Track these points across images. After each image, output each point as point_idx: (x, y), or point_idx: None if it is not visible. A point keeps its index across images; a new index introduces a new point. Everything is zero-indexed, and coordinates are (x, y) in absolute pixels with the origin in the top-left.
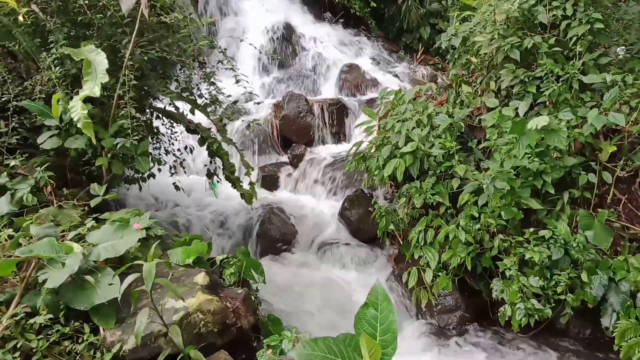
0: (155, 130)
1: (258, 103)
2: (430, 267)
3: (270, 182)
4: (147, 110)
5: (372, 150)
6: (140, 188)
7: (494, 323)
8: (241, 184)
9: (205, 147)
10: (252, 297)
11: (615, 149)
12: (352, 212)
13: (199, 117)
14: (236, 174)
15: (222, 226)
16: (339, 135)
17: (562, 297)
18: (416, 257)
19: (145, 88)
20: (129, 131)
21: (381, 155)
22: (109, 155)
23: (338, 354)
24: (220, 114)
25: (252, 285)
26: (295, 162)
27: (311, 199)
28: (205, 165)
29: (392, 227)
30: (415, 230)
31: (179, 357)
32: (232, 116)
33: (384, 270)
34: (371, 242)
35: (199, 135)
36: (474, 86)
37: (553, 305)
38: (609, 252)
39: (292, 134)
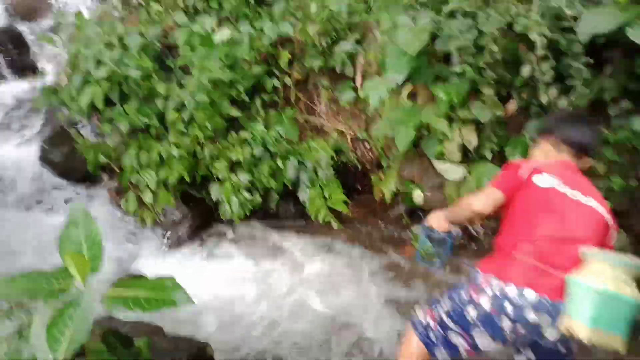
0: None
1: None
2: (150, 188)
3: None
4: None
5: (65, 82)
6: None
7: (221, 223)
8: None
9: None
10: None
11: (290, 56)
12: (55, 153)
13: None
14: None
15: None
16: (23, 69)
17: (267, 185)
18: (134, 182)
19: None
20: None
21: (73, 85)
22: None
23: (44, 282)
24: None
25: None
26: None
27: None
28: None
29: (104, 159)
30: (128, 156)
31: None
32: None
33: (106, 205)
34: (87, 180)
35: None
36: (163, 4)
37: (263, 194)
38: (297, 141)
39: None
